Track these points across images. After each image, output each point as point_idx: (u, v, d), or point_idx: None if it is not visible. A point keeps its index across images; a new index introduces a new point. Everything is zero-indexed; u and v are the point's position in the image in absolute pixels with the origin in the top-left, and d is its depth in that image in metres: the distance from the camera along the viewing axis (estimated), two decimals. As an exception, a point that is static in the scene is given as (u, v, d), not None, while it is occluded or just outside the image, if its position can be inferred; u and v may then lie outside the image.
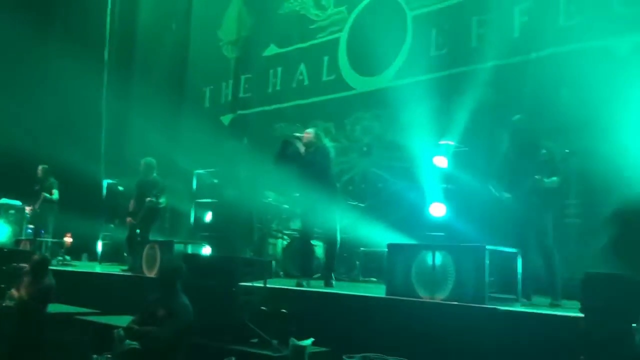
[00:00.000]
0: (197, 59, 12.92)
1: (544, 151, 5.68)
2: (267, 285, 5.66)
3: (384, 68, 9.48)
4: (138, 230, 8.83)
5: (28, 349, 6.20)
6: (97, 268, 10.07)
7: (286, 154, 6.84)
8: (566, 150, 5.50)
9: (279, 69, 11.23)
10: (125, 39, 13.96)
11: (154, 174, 8.94)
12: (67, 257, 10.75)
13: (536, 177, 5.46)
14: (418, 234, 7.32)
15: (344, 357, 4.67)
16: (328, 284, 6.58)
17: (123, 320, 5.46)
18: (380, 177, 8.95)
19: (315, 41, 10.68)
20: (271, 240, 9.00)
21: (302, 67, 10.84)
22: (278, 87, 11.27)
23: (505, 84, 7.69)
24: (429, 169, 7.90)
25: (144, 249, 7.99)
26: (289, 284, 6.46)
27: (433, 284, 5.04)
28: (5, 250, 8.59)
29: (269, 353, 4.81)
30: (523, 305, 5.10)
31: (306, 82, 10.74)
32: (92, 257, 12.00)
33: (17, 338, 6.17)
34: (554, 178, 5.50)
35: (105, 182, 12.38)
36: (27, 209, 10.63)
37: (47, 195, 10.22)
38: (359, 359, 4.56)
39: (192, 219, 10.87)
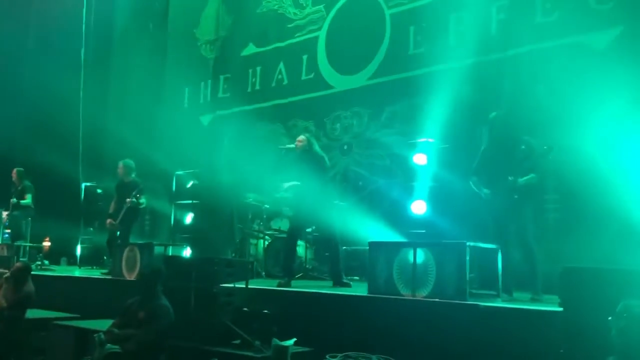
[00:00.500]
0: (175, 59, 12.81)
1: (523, 147, 5.70)
2: (249, 286, 5.63)
3: (363, 66, 9.49)
4: (118, 233, 8.78)
5: (7, 355, 6.11)
6: (77, 272, 9.95)
7: (283, 164, 6.92)
8: (544, 147, 5.53)
9: (258, 69, 11.19)
10: (102, 39, 13.78)
11: (133, 176, 8.90)
12: (46, 262, 10.61)
13: (510, 178, 5.49)
14: (399, 231, 7.35)
15: (326, 356, 4.67)
16: (344, 284, 6.57)
17: (103, 324, 5.40)
18: (360, 175, 8.96)
19: (294, 40, 10.65)
20: (252, 241, 8.96)
21: (281, 66, 10.81)
22: (257, 87, 11.23)
23: (483, 81, 7.74)
24: (409, 167, 7.93)
25: (124, 252, 7.92)
26: (270, 285, 6.44)
27: (414, 281, 5.05)
28: (-18, 255, 8.47)
29: (251, 354, 4.79)
30: (504, 300, 5.13)
31: (285, 82, 10.71)
32: (72, 261, 11.85)
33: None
34: (531, 175, 5.53)
35: (83, 185, 12.23)
36: (4, 214, 10.45)
37: (15, 200, 10.02)
38: (342, 358, 4.56)
39: (172, 221, 10.79)
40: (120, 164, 8.96)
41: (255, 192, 9.21)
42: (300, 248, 8.17)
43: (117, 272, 7.98)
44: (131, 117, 12.42)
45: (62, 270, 10.18)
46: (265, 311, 5.21)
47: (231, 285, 5.50)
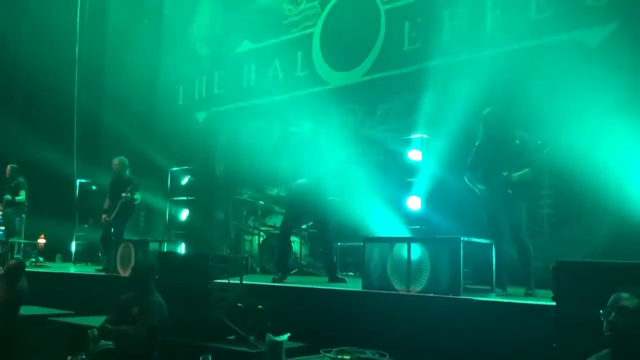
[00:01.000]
0: (170, 55, 12.77)
1: (517, 142, 5.71)
2: (243, 282, 5.63)
3: (358, 62, 9.48)
4: (112, 229, 8.77)
5: (1, 352, 6.09)
6: (71, 269, 9.92)
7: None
8: (539, 142, 5.54)
9: (253, 65, 11.18)
10: (96, 35, 13.75)
11: (127, 172, 8.90)
12: (41, 259, 10.59)
13: (504, 173, 5.50)
14: (394, 227, 7.36)
15: (320, 351, 4.67)
16: (339, 280, 6.56)
17: (97, 321, 5.37)
18: (355, 171, 8.96)
19: (289, 36, 10.64)
20: (247, 237, 8.96)
21: (276, 62, 10.79)
22: (252, 83, 11.21)
23: (478, 76, 7.73)
24: (404, 163, 7.94)
25: (119, 248, 7.91)
26: (265, 280, 6.43)
27: (409, 276, 5.05)
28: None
29: (246, 349, 4.79)
30: (498, 295, 5.14)
31: (280, 78, 10.70)
32: (66, 257, 11.82)
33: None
34: (525, 170, 5.54)
35: (78, 182, 12.20)
36: (-2, 211, 10.43)
37: (9, 197, 9.97)
38: (336, 353, 4.56)
39: (167, 217, 10.78)
40: (115, 160, 8.96)
41: (250, 188, 9.21)
42: (295, 244, 8.17)
43: (112, 269, 7.97)
44: (126, 113, 12.40)
45: (56, 267, 10.15)
46: (260, 307, 5.21)
47: (225, 281, 5.49)
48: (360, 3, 9.67)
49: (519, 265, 5.59)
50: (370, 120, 9.16)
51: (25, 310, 6.54)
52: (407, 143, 7.95)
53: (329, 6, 10.17)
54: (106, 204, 8.94)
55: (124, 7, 13.83)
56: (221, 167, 10.64)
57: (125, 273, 7.58)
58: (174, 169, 10.72)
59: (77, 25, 13.40)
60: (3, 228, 10.51)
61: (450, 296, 4.72)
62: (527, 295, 5.23)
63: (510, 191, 5.56)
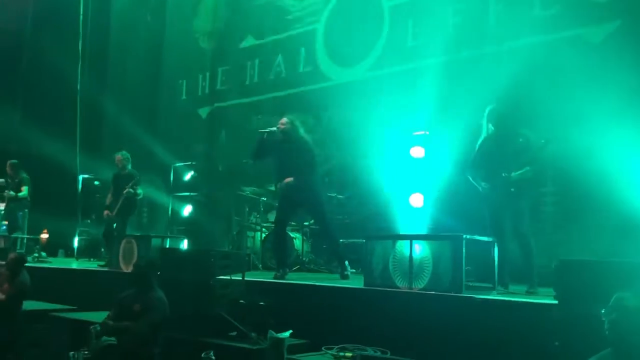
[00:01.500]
0: (173, 50, 12.77)
1: (520, 140, 5.69)
2: (245, 278, 5.63)
3: (361, 59, 9.46)
4: (115, 225, 8.78)
5: (3, 347, 6.11)
6: (74, 264, 9.95)
7: (264, 148, 6.73)
8: (542, 140, 5.52)
9: (256, 61, 11.15)
10: (100, 30, 13.74)
11: (129, 167, 8.90)
12: (43, 254, 10.60)
13: (503, 174, 5.48)
14: (397, 224, 7.34)
15: (322, 348, 4.68)
16: (344, 276, 6.54)
17: (99, 316, 5.40)
18: (358, 168, 8.94)
19: (292, 32, 10.61)
20: (250, 233, 8.96)
21: (279, 58, 10.77)
22: (255, 79, 11.19)
23: (481, 73, 7.71)
24: (406, 159, 7.91)
25: (121, 244, 7.92)
26: (267, 277, 6.43)
27: (411, 274, 5.05)
28: (-21, 247, 8.45)
29: (248, 346, 4.80)
30: (500, 293, 5.13)
31: (284, 74, 10.68)
32: (69, 253, 11.85)
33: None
34: (526, 168, 5.51)
35: (81, 177, 12.22)
36: (1, 206, 10.42)
37: (12, 193, 9.97)
38: (338, 350, 4.56)
39: (170, 213, 10.79)
40: (118, 155, 8.97)
41: (252, 184, 9.20)
42: (297, 241, 8.16)
43: (114, 264, 7.98)
44: (129, 109, 12.40)
45: (59, 262, 10.17)
46: (262, 303, 5.21)
47: (227, 277, 5.49)
48: (363, -1, 9.64)
49: (521, 263, 5.58)
50: (373, 116, 9.13)
51: (27, 305, 6.56)
52: (410, 139, 7.92)
53: (333, 2, 10.14)
54: (108, 199, 8.95)
55: (127, 1, 13.82)
56: (224, 164, 10.64)
57: (127, 269, 7.59)
58: (177, 164, 10.71)
59: (81, 20, 13.41)
60: (6, 223, 10.53)
61: (452, 294, 4.72)
62: (529, 293, 5.21)
63: (512, 189, 5.54)
